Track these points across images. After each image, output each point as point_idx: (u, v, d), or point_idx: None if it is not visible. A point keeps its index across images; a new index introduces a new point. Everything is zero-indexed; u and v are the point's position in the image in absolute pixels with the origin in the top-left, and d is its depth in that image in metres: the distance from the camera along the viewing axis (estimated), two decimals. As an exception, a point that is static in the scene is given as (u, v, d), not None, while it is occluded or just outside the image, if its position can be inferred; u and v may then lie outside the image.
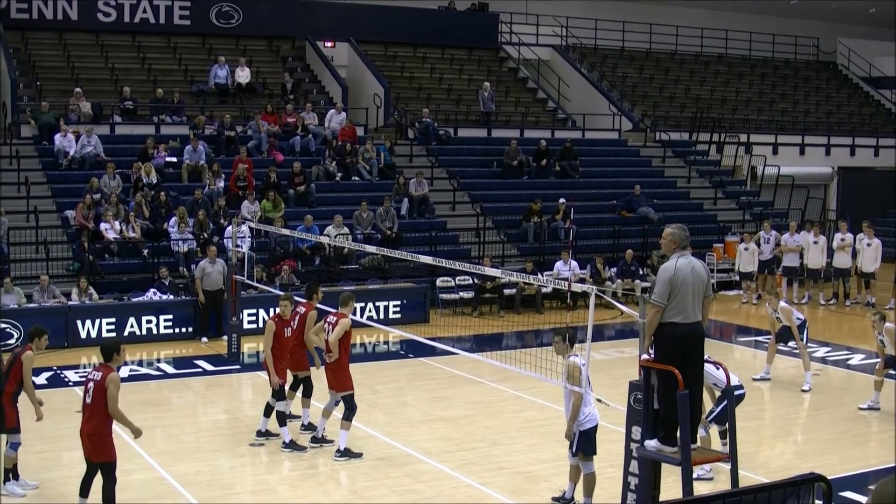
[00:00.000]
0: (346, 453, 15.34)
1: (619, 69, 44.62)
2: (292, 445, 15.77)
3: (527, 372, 15.46)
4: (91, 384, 12.20)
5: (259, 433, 16.28)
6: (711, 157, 39.92)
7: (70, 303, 23.92)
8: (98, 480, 12.30)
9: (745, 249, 30.09)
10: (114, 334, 23.42)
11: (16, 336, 22.63)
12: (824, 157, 43.09)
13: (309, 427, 16.60)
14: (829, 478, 7.21)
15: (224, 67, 34.70)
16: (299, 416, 16.89)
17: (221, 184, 29.34)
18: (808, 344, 20.62)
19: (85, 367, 21.42)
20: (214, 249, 24.65)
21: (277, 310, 16.56)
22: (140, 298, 24.72)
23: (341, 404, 15.53)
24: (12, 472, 13.82)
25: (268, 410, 16.20)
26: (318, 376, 16.35)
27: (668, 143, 39.16)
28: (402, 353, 23.52)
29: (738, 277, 30.93)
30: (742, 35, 47.56)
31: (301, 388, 16.74)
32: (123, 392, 19.51)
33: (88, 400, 12.21)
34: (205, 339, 24.14)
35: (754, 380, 20.10)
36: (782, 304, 20.51)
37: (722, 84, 46.52)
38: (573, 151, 35.43)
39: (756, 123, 42.82)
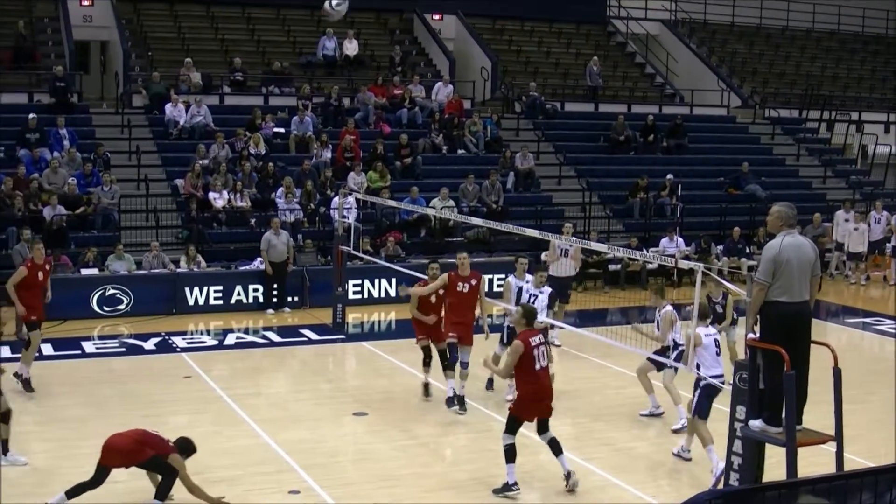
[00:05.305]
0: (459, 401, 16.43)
1: (728, 45, 44.02)
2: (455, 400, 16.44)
3: (631, 348, 15.42)
4: None
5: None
6: (821, 135, 39.23)
7: (178, 270, 24.32)
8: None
9: (855, 229, 29.59)
10: (221, 302, 23.87)
11: (125, 301, 23.10)
12: (938, 135, 42.14)
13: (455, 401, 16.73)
14: (938, 464, 7.12)
15: (332, 39, 34.84)
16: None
17: (329, 155, 29.55)
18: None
19: (192, 334, 21.85)
20: (277, 221, 24.74)
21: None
22: (247, 267, 25.02)
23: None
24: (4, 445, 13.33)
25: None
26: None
27: (778, 120, 38.56)
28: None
29: (845, 258, 30.42)
30: (855, 11, 46.45)
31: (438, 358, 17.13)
32: (230, 359, 19.84)
33: None
34: (270, 311, 24.15)
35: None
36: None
37: (833, 61, 45.61)
38: (683, 128, 35.10)
39: (868, 101, 41.96)
